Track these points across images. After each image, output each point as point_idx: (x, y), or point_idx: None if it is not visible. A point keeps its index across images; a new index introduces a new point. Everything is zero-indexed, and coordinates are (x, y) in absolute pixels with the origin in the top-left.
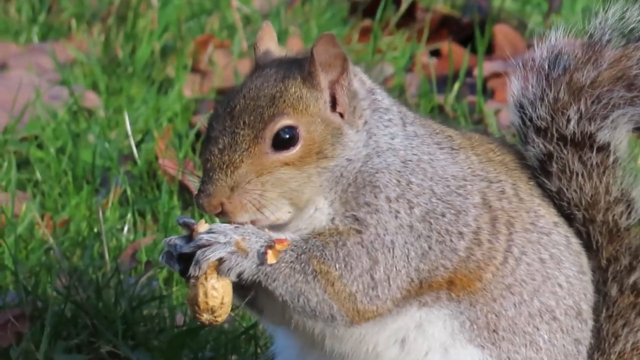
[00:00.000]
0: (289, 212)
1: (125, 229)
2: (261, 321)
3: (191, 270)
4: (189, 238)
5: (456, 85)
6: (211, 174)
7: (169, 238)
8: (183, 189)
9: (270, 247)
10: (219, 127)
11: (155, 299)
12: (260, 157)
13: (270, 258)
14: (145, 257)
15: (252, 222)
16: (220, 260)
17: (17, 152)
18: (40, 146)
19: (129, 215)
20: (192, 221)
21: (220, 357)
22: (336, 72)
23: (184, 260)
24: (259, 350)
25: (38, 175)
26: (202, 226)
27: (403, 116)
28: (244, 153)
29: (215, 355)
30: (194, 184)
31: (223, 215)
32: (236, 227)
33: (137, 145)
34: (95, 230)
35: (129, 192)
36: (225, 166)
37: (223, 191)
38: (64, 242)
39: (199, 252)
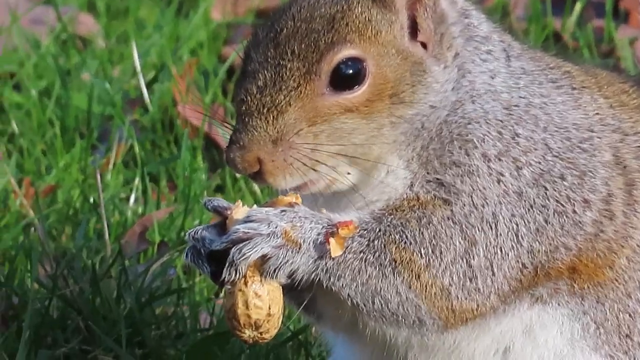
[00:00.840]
0: (349, 174)
1: (132, 199)
2: (320, 328)
3: (225, 274)
4: (222, 227)
5: (578, 5)
6: (247, 119)
7: (195, 229)
8: (210, 145)
9: (332, 234)
10: (259, 57)
11: (172, 293)
12: (313, 99)
13: (334, 249)
14: (159, 237)
15: (299, 188)
16: (264, 258)
17: None
18: (17, 87)
19: (137, 181)
20: (225, 204)
21: None
22: None
23: (216, 259)
24: None
25: (14, 127)
26: (240, 210)
27: (507, 47)
28: (292, 93)
29: None
30: (225, 137)
31: (260, 178)
32: (282, 210)
33: (149, 85)
34: (92, 200)
35: (136, 149)
36: (266, 110)
37: (262, 143)
38: (49, 216)
39: (234, 249)
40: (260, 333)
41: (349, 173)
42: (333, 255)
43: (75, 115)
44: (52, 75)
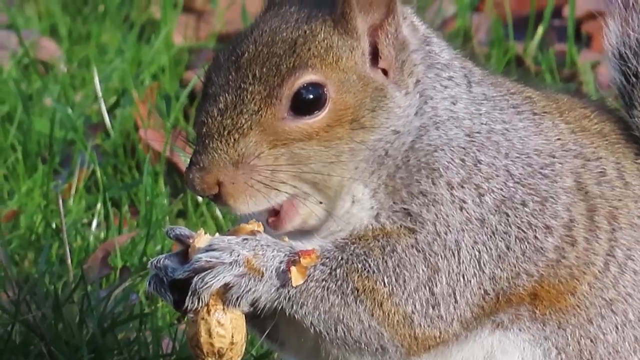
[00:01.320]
0: (321, 203)
1: (94, 224)
2: (283, 355)
3: (188, 303)
4: (184, 256)
5: (540, 30)
6: (208, 141)
7: (157, 258)
8: (172, 170)
9: (293, 262)
10: (221, 81)
11: (134, 318)
12: (274, 123)
13: (295, 278)
14: (121, 261)
15: (276, 227)
16: (227, 287)
17: None
18: None
19: (99, 206)
20: (187, 233)
21: None
22: (379, 14)
23: (179, 288)
24: None
25: None
26: (202, 239)
27: (468, 73)
28: (253, 116)
29: None
30: (187, 162)
31: (220, 200)
32: (244, 239)
33: (110, 110)
34: (54, 225)
35: (98, 174)
36: (227, 132)
37: (223, 165)
38: (11, 241)
39: (196, 278)
40: None
41: (321, 202)
42: (294, 284)
43: (37, 140)
44: (14, 100)
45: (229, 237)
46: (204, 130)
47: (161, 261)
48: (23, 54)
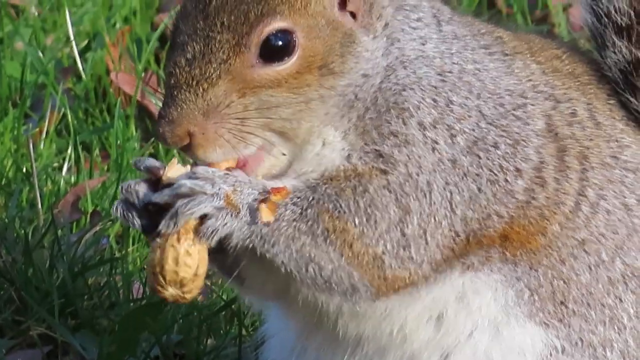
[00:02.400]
0: (284, 154)
1: (65, 168)
2: (242, 293)
3: (162, 226)
4: (155, 184)
5: None
6: (176, 93)
7: (128, 182)
8: (143, 113)
9: (263, 200)
10: (188, 29)
11: (105, 262)
12: (243, 71)
13: (265, 214)
14: (92, 205)
15: (235, 167)
16: (203, 218)
17: None
18: None
19: (70, 150)
20: (158, 164)
21: (191, 341)
22: None
23: (149, 213)
24: (243, 332)
25: None
26: (174, 169)
27: (437, 12)
28: (222, 65)
29: (185, 338)
30: (158, 105)
31: (190, 151)
32: (226, 173)
33: (82, 54)
34: (24, 170)
35: (69, 117)
36: (195, 83)
37: (192, 116)
38: None
39: (179, 202)
40: (183, 292)
41: (283, 154)
42: (264, 221)
43: (8, 84)
44: None
45: (212, 169)
46: (172, 81)
47: (132, 186)
48: None
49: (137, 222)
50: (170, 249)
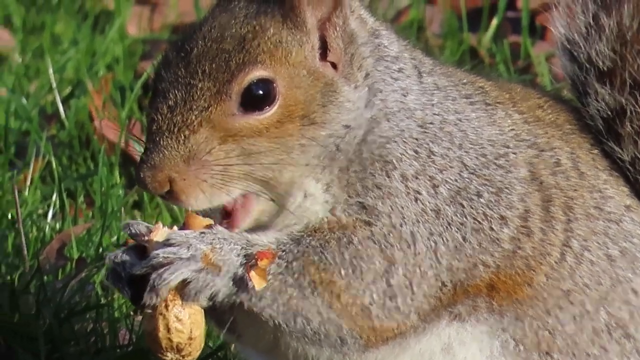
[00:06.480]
0: (273, 200)
1: (50, 215)
2: (241, 348)
3: (146, 299)
4: (142, 250)
5: (494, 21)
6: (158, 139)
7: (115, 253)
8: (127, 160)
9: (251, 266)
10: (170, 77)
11: (91, 309)
12: (224, 120)
13: (257, 282)
14: (77, 252)
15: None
16: (185, 282)
17: None
18: None
19: (55, 197)
20: (144, 230)
21: None
22: (327, 7)
23: (137, 282)
24: None
25: None
26: (160, 233)
27: (418, 64)
28: (203, 113)
29: None
30: (140, 153)
31: (172, 197)
32: (202, 233)
33: (65, 101)
34: (10, 216)
35: (54, 164)
36: (177, 129)
37: (173, 163)
38: None
39: (154, 274)
40: (183, 356)
41: (272, 200)
42: (257, 289)
43: None
44: None
45: (186, 232)
46: (154, 127)
47: (119, 256)
48: None
49: (127, 292)
50: (160, 317)
